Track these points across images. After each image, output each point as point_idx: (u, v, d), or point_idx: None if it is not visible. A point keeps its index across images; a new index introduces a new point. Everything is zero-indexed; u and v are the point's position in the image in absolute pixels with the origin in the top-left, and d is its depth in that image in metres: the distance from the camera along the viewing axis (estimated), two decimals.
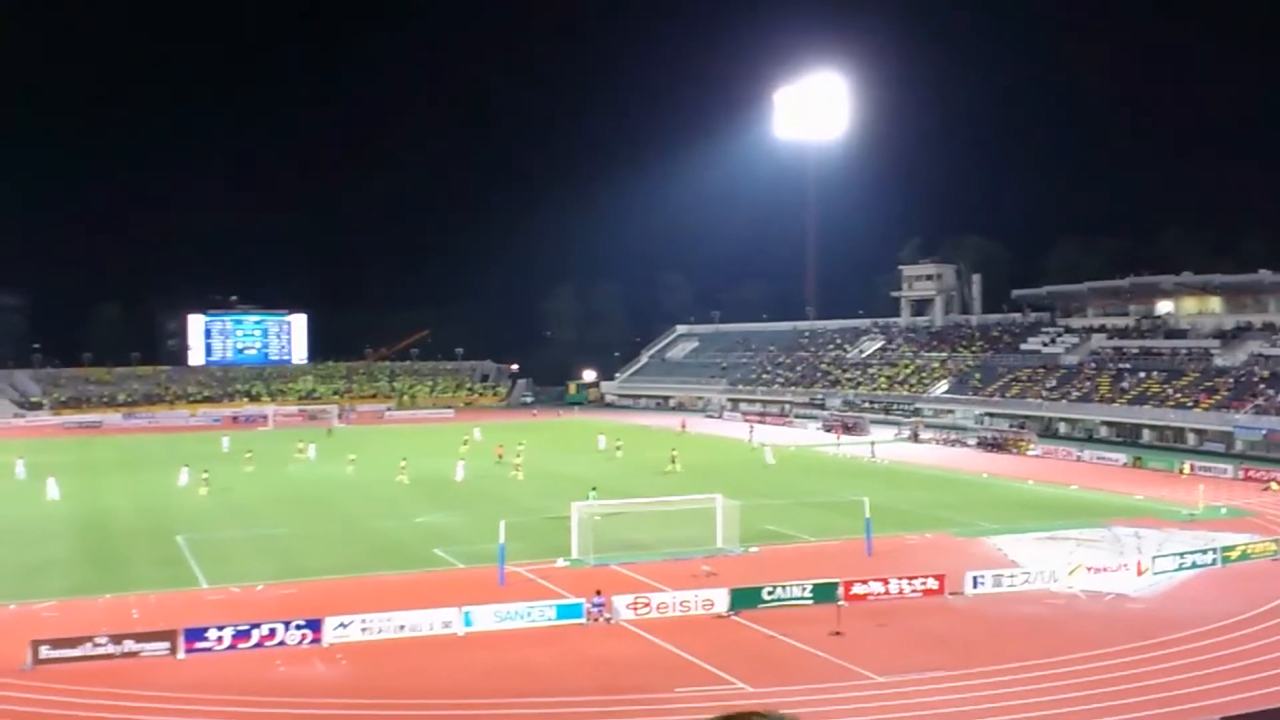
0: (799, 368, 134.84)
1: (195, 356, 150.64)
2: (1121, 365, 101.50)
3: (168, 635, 34.07)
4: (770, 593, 39.35)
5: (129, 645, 33.53)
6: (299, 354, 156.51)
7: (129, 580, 43.92)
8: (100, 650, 33.17)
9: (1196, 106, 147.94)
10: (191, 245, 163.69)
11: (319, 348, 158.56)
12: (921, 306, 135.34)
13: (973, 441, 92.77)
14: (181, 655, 33.69)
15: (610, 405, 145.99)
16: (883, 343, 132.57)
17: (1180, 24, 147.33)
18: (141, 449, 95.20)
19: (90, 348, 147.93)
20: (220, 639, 34.33)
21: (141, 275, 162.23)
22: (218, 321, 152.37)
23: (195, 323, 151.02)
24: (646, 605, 38.26)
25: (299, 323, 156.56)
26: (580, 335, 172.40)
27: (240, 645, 34.38)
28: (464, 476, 71.59)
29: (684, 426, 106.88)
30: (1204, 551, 45.62)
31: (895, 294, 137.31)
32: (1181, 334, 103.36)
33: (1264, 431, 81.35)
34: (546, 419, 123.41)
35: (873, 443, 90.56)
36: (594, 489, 56.70)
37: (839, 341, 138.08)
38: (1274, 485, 66.86)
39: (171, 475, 70.88)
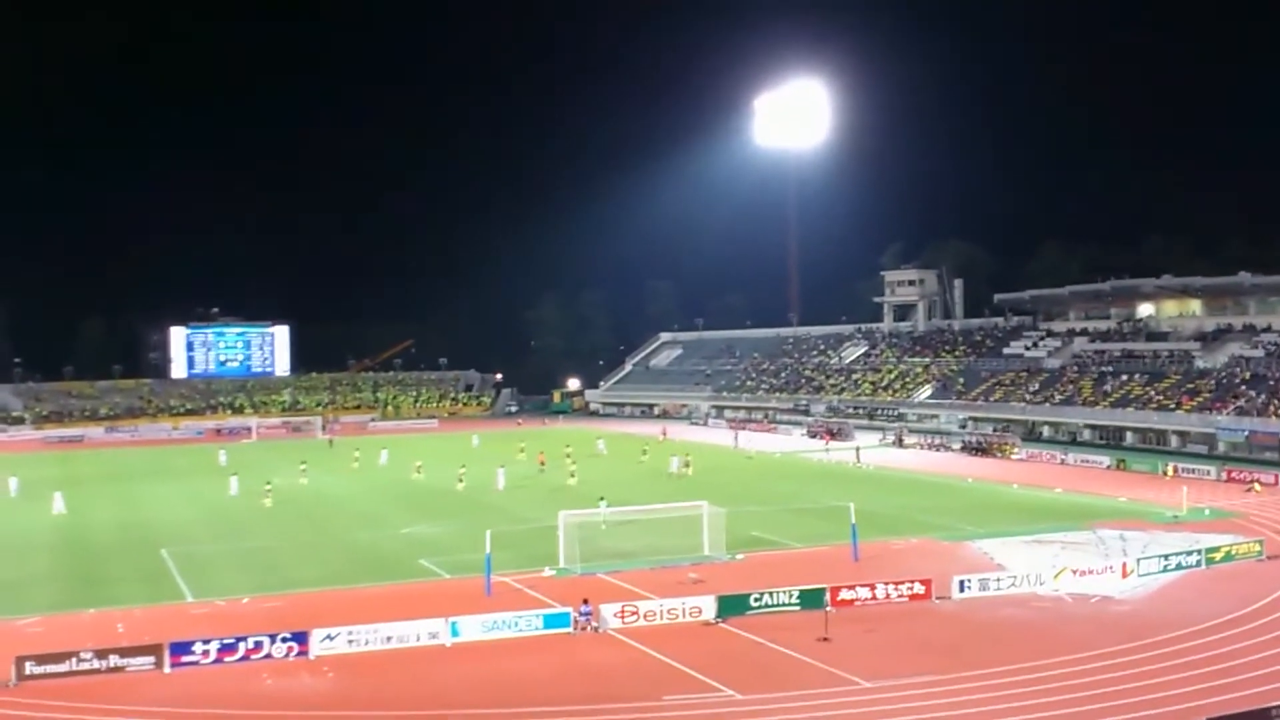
0: (783, 374, 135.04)
1: (178, 369, 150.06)
2: (1104, 368, 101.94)
3: (153, 650, 33.86)
4: (758, 599, 39.35)
5: (114, 660, 33.32)
6: (282, 366, 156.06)
7: (113, 595, 43.71)
8: (85, 665, 32.97)
9: (1176, 112, 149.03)
10: (173, 258, 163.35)
11: (302, 359, 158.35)
12: (904, 312, 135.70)
13: (957, 446, 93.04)
14: (167, 670, 33.50)
15: (595, 414, 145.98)
16: (866, 348, 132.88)
17: (1162, 32, 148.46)
18: (125, 462, 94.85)
19: (72, 361, 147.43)
20: (206, 653, 34.13)
21: (123, 288, 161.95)
22: (200, 334, 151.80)
23: (177, 335, 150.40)
24: (634, 614, 38.22)
25: (281, 334, 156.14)
26: (564, 344, 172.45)
27: (226, 659, 34.20)
28: (504, 484, 71.82)
29: (664, 434, 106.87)
30: (1188, 553, 45.79)
31: (878, 299, 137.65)
32: (1163, 336, 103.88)
33: (1246, 432, 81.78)
34: (533, 427, 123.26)
35: (857, 448, 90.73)
36: (603, 498, 56.60)
37: (822, 347, 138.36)
38: (1257, 486, 67.22)
39: (155, 488, 70.87)
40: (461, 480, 72.35)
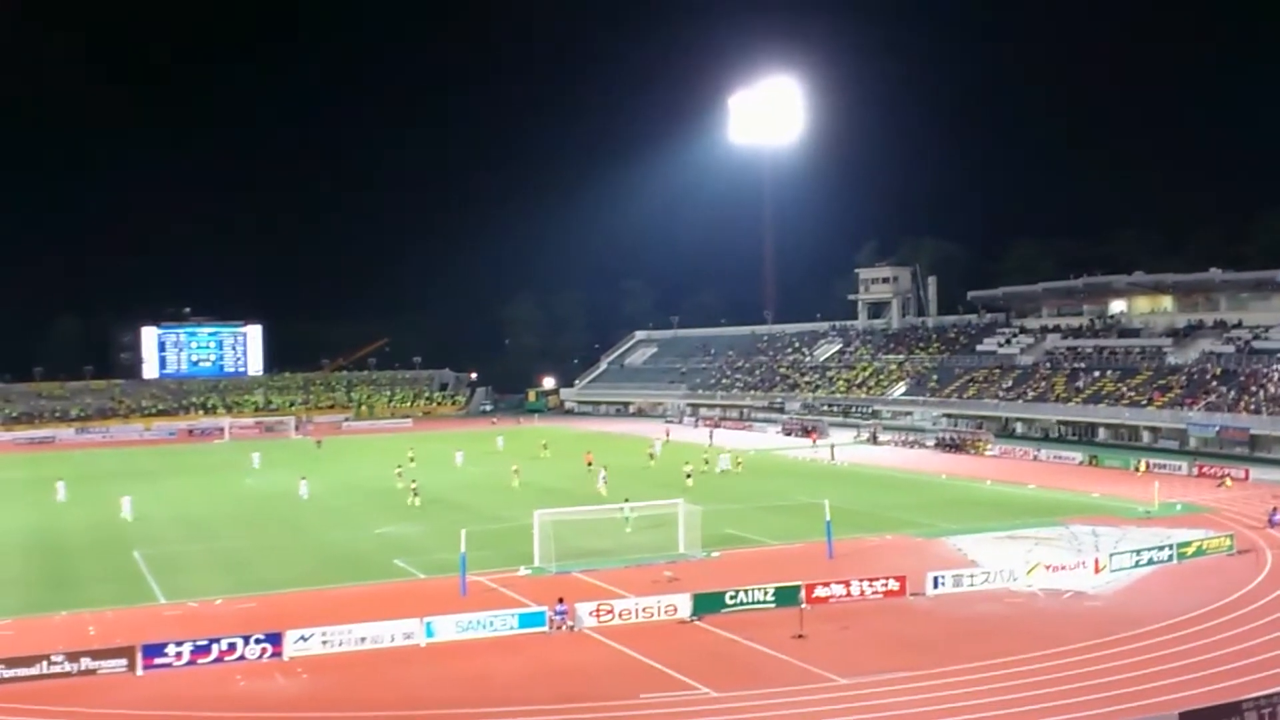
0: (758, 372, 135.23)
1: (149, 369, 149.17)
2: (1076, 364, 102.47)
3: (126, 652, 33.61)
4: (733, 597, 39.36)
5: (86, 663, 33.05)
6: (254, 365, 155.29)
7: (85, 597, 43.36)
8: (57, 669, 32.69)
9: (1147, 109, 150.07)
10: (145, 257, 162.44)
11: (275, 359, 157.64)
12: (878, 309, 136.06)
13: (931, 442, 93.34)
14: (140, 672, 33.27)
15: (570, 412, 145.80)
16: (840, 345, 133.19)
17: (1135, 29, 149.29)
18: (96, 464, 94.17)
19: (42, 362, 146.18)
20: (179, 655, 33.90)
21: (94, 288, 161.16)
22: (171, 334, 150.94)
23: (149, 335, 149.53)
24: (609, 612, 38.17)
25: (254, 334, 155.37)
26: (539, 343, 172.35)
27: (200, 660, 33.99)
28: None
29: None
30: (1160, 548, 46.07)
31: (852, 297, 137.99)
32: (1135, 333, 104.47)
33: (1217, 428, 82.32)
34: (508, 426, 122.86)
35: (832, 445, 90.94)
36: (627, 499, 55.85)
37: (797, 345, 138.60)
38: (1228, 481, 67.70)
39: (127, 489, 69.93)
40: (604, 480, 67.93)
